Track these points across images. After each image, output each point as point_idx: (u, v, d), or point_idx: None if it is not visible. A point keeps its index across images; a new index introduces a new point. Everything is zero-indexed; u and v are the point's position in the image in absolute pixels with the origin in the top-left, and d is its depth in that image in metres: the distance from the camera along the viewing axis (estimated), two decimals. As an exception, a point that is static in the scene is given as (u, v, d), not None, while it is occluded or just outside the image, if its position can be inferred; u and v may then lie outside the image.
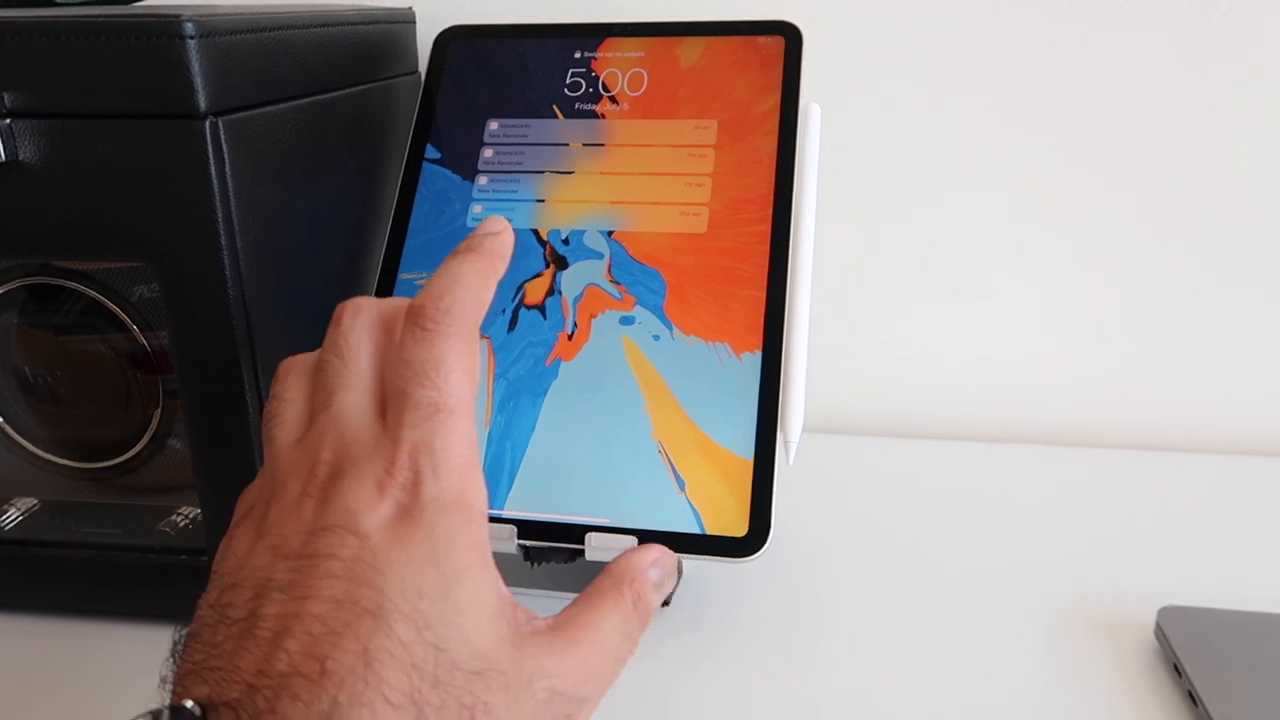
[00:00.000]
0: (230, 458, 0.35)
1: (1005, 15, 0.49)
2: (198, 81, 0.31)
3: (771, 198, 0.40)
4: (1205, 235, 0.52)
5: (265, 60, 0.35)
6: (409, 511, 0.24)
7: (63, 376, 0.38)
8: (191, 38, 0.30)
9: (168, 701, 0.23)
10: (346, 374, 0.27)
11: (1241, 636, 0.34)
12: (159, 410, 0.37)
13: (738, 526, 0.35)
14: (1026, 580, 0.40)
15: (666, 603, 0.38)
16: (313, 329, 0.39)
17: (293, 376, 0.29)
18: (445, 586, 0.23)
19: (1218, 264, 0.52)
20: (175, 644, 0.25)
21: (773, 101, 0.42)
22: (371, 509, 0.24)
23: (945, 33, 0.50)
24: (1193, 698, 0.32)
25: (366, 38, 0.43)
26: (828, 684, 0.35)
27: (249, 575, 0.24)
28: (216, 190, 0.32)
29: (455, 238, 0.41)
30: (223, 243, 0.32)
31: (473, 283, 0.27)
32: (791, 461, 0.36)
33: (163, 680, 0.24)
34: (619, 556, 0.31)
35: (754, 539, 0.35)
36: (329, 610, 0.22)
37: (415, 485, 0.24)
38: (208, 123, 0.31)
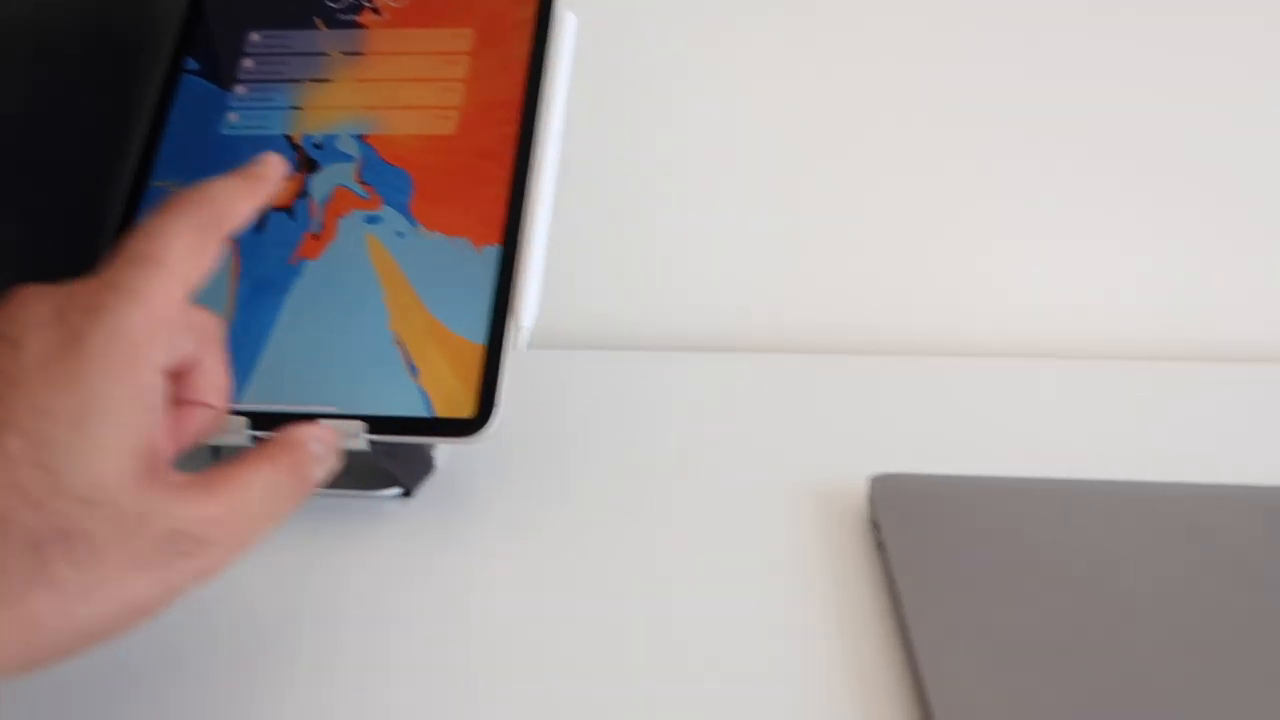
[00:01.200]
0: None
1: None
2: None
3: (520, 101, 0.41)
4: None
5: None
6: (79, 336, 0.24)
7: None
8: None
9: None
10: None
11: (938, 496, 0.36)
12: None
13: (466, 408, 0.36)
14: (764, 466, 0.41)
15: (409, 493, 0.39)
16: (49, 234, 0.39)
17: None
18: (82, 412, 0.23)
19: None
20: None
21: (529, 11, 0.43)
22: (42, 326, 0.24)
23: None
24: (881, 546, 0.34)
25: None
26: (565, 563, 0.37)
27: None
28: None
29: (209, 146, 0.41)
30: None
31: (228, 185, 0.30)
32: (524, 346, 0.37)
33: None
34: (283, 428, 0.30)
35: (481, 419, 0.36)
36: None
37: (94, 316, 0.24)
38: (-111, 1, 0.31)
